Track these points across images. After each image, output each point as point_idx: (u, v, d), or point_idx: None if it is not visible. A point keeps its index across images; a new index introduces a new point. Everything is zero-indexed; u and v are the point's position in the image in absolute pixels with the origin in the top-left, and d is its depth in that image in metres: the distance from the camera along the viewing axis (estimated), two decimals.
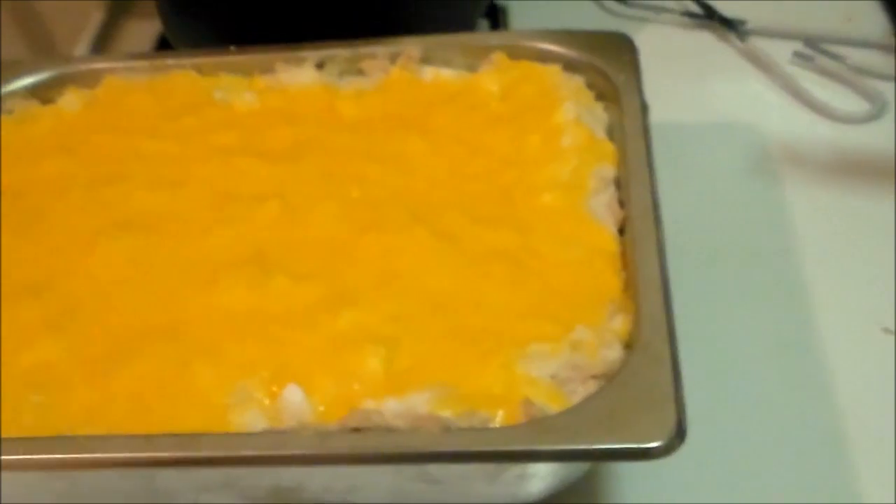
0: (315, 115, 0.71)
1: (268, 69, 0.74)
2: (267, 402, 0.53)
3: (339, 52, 0.74)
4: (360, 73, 0.74)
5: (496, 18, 0.93)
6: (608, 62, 0.70)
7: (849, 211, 0.75)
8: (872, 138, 0.81)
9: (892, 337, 0.66)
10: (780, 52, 0.89)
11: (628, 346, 0.54)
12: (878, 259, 0.71)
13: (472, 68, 0.73)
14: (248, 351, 0.55)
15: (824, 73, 0.87)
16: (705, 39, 0.93)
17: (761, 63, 0.89)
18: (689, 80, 0.88)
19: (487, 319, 0.56)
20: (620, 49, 0.71)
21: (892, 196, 0.75)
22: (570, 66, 0.71)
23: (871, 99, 0.83)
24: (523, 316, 0.56)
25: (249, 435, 0.51)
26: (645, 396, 0.49)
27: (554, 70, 0.71)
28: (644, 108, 0.66)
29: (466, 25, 0.86)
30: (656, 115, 0.68)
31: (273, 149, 0.68)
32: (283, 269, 0.59)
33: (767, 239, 0.74)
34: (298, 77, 0.74)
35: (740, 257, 0.73)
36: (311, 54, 0.74)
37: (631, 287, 0.56)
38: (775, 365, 0.65)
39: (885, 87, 0.84)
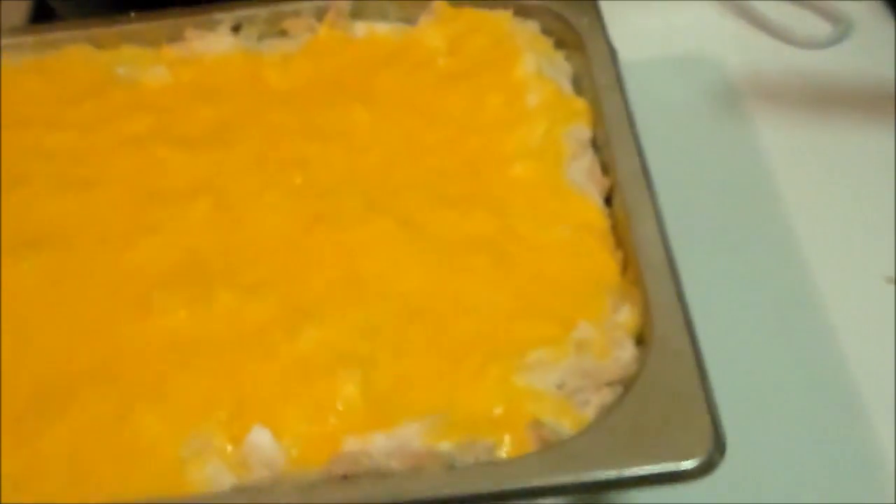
0: (239, 89, 0.63)
1: (176, 37, 0.67)
2: (229, 449, 0.45)
3: (257, 12, 0.67)
4: (284, 34, 0.67)
5: None
6: (564, 3, 0.64)
7: (828, 145, 0.71)
8: (839, 63, 0.76)
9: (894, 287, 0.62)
10: None
11: (640, 341, 0.48)
12: (871, 197, 0.67)
13: (409, 21, 0.66)
14: (199, 388, 0.47)
15: None
16: None
17: None
18: (640, 12, 0.81)
19: (473, 323, 0.49)
20: None
21: (878, 124, 0.71)
22: (520, 10, 0.65)
23: (834, 20, 0.78)
24: (514, 315, 0.50)
25: (215, 495, 0.44)
26: (671, 404, 0.44)
27: (504, 16, 0.65)
28: (613, 55, 0.60)
29: None
30: None
31: (195, 133, 0.60)
32: (227, 281, 0.52)
33: (745, 182, 0.69)
34: (213, 44, 0.66)
35: (718, 206, 0.67)
36: (225, 16, 0.67)
37: (631, 269, 0.50)
38: (771, 327, 0.61)
39: (848, 7, 0.79)
